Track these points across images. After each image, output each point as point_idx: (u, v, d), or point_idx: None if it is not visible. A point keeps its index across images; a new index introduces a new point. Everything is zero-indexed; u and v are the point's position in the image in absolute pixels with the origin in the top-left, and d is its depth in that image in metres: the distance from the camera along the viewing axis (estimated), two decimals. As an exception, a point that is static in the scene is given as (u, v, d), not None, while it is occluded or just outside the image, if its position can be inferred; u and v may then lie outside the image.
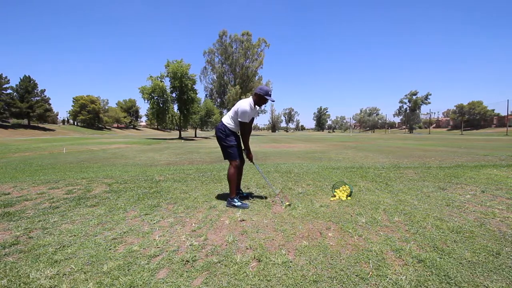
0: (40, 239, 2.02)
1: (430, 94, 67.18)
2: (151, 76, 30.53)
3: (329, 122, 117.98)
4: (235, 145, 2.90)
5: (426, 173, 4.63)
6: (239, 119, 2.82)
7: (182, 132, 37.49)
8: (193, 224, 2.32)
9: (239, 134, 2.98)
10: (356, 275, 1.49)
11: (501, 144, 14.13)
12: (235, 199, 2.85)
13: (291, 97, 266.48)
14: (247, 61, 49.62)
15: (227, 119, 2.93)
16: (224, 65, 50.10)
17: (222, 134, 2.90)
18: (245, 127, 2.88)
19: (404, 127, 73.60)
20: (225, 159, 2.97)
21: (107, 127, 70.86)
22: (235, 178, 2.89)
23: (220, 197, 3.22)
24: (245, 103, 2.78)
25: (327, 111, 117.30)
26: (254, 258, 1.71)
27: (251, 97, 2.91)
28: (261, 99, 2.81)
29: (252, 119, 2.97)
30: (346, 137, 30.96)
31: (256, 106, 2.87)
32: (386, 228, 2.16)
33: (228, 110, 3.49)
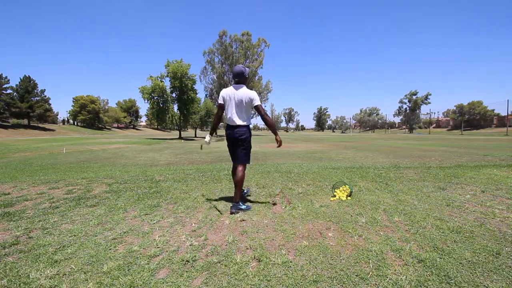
0: (40, 239, 2.02)
1: (430, 94, 67.10)
2: (151, 76, 30.59)
3: (329, 122, 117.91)
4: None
5: (426, 173, 4.62)
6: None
7: (182, 132, 37.50)
8: (193, 224, 2.32)
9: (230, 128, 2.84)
10: (356, 275, 1.49)
11: (501, 144, 14.13)
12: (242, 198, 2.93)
13: (291, 97, 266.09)
14: (247, 61, 49.56)
15: None
16: (224, 65, 50.08)
17: None
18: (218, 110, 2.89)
19: (404, 127, 73.59)
20: None
21: (107, 127, 70.87)
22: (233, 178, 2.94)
23: (220, 197, 3.22)
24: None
25: (327, 111, 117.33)
26: (254, 258, 1.71)
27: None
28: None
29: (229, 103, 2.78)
30: (346, 137, 30.96)
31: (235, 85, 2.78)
32: (386, 228, 2.16)
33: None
